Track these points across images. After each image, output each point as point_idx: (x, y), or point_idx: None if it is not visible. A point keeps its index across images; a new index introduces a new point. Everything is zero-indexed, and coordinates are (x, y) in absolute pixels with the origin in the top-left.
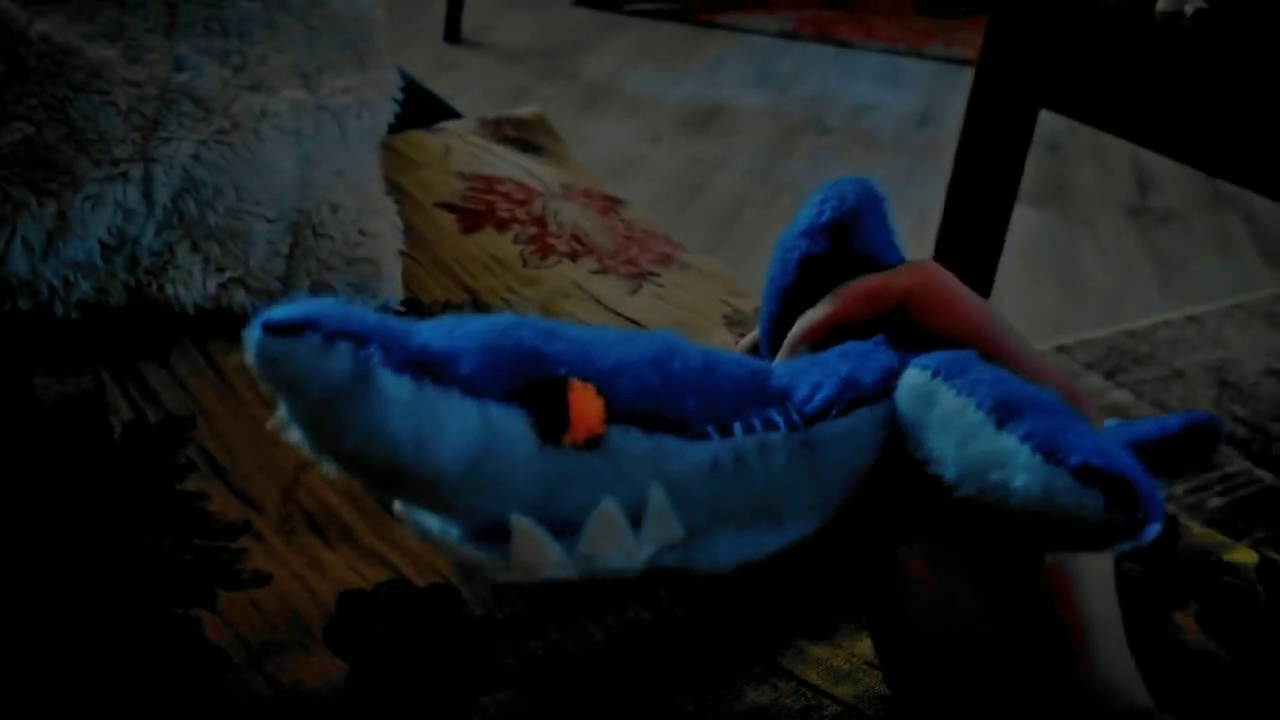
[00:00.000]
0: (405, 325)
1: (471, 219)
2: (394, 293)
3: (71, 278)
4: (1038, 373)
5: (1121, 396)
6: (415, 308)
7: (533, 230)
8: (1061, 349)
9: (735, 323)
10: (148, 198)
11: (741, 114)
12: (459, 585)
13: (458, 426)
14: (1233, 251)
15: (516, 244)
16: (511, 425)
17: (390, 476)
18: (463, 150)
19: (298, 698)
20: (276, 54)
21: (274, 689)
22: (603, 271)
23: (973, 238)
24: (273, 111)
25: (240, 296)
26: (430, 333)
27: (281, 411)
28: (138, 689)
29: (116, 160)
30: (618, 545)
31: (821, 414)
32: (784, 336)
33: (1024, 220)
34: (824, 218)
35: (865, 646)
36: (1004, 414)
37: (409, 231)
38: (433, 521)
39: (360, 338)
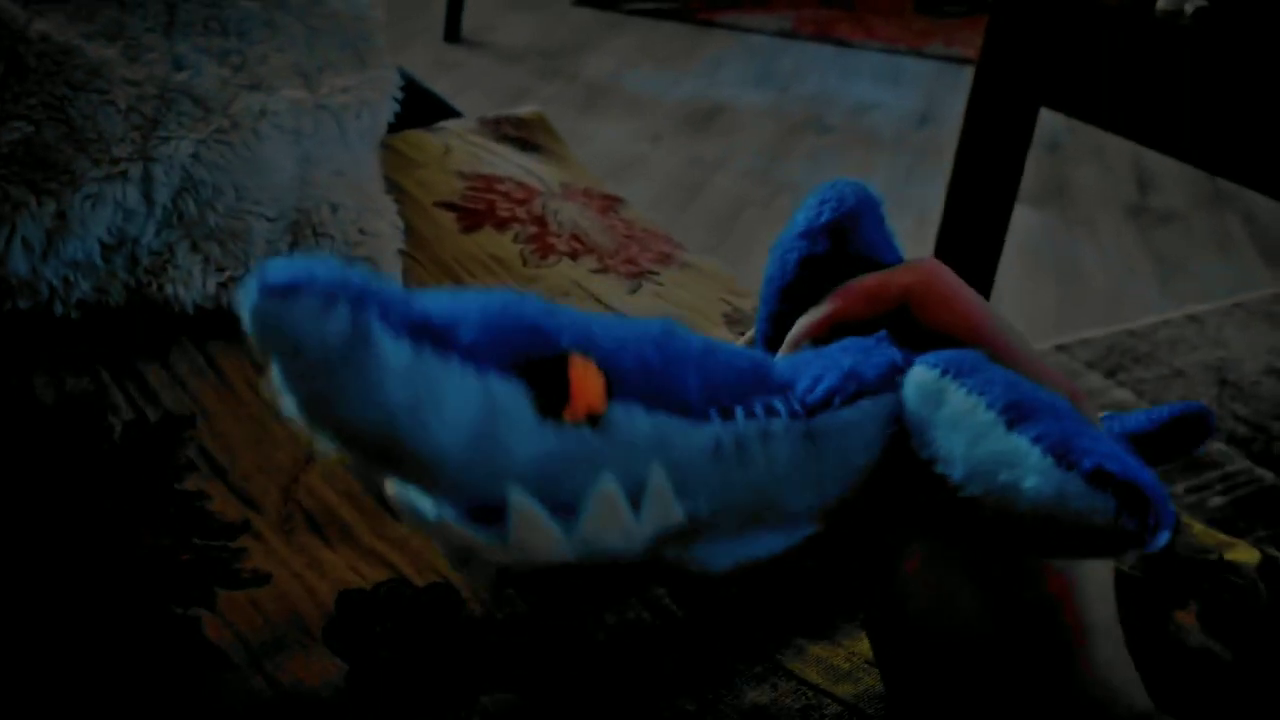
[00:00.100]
0: (405, 292)
1: (471, 218)
2: None
3: (71, 277)
4: (1037, 372)
5: (1122, 395)
6: None
7: (533, 229)
8: (1061, 348)
9: (735, 321)
10: (147, 197)
11: (741, 113)
12: (454, 569)
13: (456, 397)
14: (1233, 251)
15: (516, 243)
16: (511, 398)
17: (386, 450)
18: (462, 149)
19: (297, 697)
20: (276, 53)
21: (273, 689)
22: (603, 270)
23: (973, 237)
24: (272, 111)
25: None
26: (430, 301)
27: (275, 379)
28: (137, 688)
29: (116, 159)
30: (617, 526)
31: (824, 404)
32: (782, 338)
33: (1024, 220)
34: (823, 218)
35: (865, 645)
36: (1015, 415)
37: (409, 231)
38: (427, 504)
39: (359, 300)
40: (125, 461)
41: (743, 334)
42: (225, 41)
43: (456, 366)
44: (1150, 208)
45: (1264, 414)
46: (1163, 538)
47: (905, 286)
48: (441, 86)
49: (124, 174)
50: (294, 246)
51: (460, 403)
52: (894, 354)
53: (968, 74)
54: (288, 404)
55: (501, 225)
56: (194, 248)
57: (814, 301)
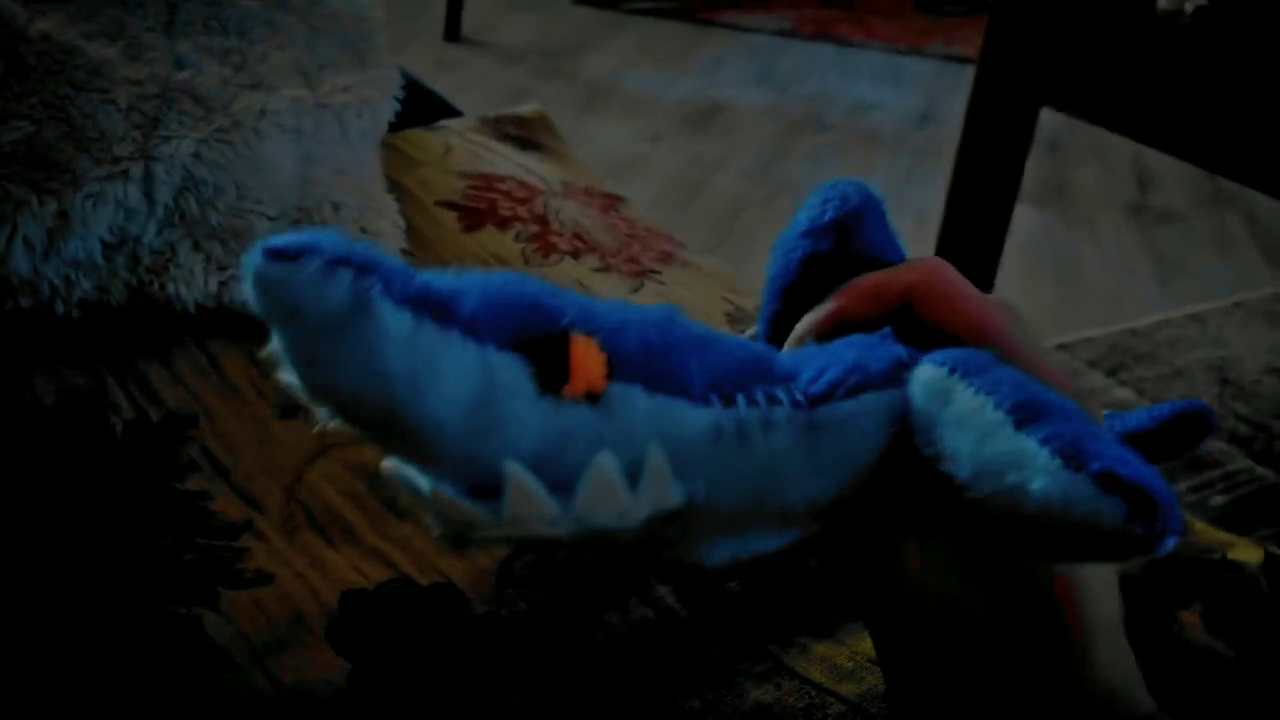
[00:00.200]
0: (408, 266)
1: (473, 217)
2: None
3: (73, 276)
4: (1040, 371)
5: (1123, 394)
6: None
7: (534, 229)
8: (1063, 347)
9: (737, 320)
10: (149, 196)
11: (741, 113)
12: (449, 550)
13: (456, 369)
14: (1233, 250)
15: (518, 242)
16: (511, 373)
17: (384, 422)
18: (463, 148)
19: (300, 696)
20: (276, 52)
21: (276, 688)
22: (605, 269)
23: (973, 237)
24: (273, 110)
25: (241, 295)
26: (433, 277)
27: (274, 347)
28: (140, 688)
29: (117, 159)
30: (613, 503)
31: (826, 396)
32: (785, 338)
33: (1024, 219)
34: (826, 217)
35: (869, 644)
36: (1024, 415)
37: (410, 230)
38: (424, 480)
39: (361, 268)
40: (127, 461)
41: (744, 333)
42: (226, 40)
43: (457, 339)
44: (1151, 207)
45: (1265, 413)
46: (1170, 543)
47: (909, 285)
48: (441, 86)
49: (125, 173)
50: None
51: (459, 375)
52: (899, 351)
53: (968, 73)
54: (287, 373)
55: (503, 224)
56: (195, 247)
57: (817, 301)
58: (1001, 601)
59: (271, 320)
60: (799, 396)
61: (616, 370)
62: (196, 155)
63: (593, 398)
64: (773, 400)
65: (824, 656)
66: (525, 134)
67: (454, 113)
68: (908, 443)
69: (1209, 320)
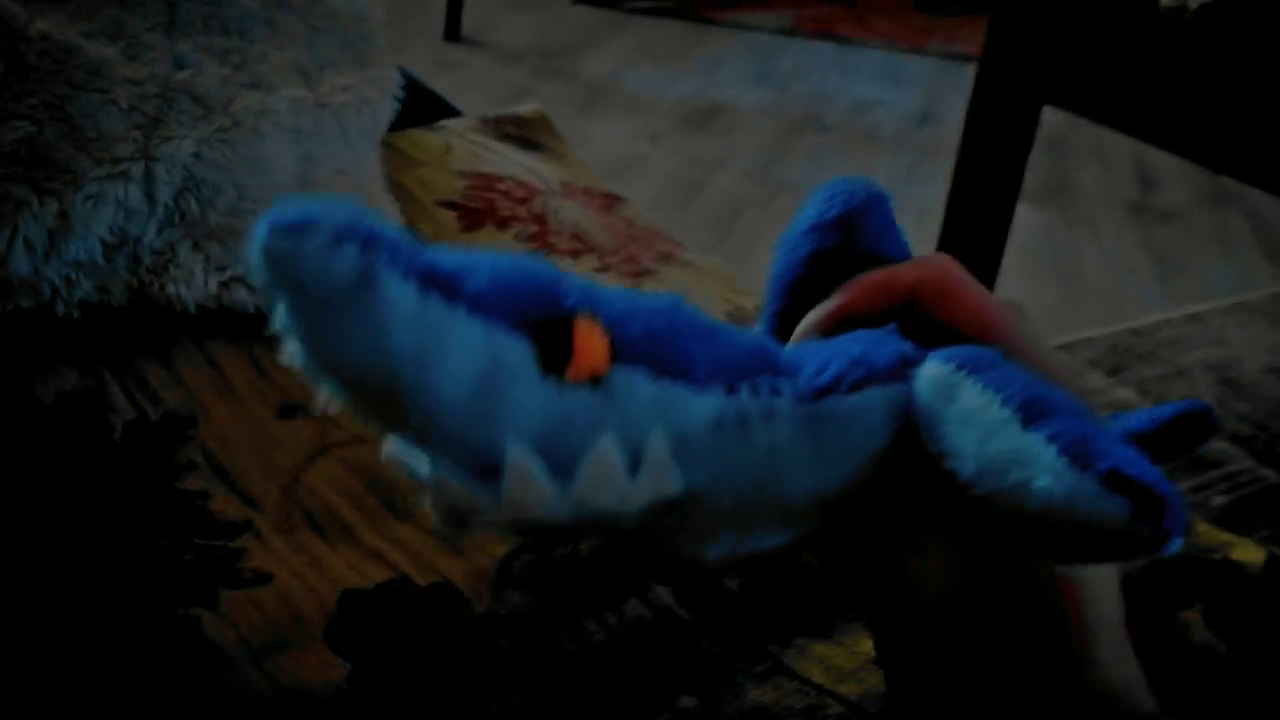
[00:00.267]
0: (416, 241)
1: (472, 217)
2: None
3: (73, 276)
4: (1047, 369)
5: (1125, 394)
6: None
7: (533, 228)
8: (1063, 347)
9: (737, 320)
10: (149, 196)
11: (741, 112)
12: (446, 535)
13: (460, 347)
14: (1234, 249)
15: (517, 242)
16: (515, 354)
17: (387, 399)
18: (463, 148)
19: (298, 696)
20: (276, 52)
21: (274, 688)
22: (604, 269)
23: (974, 237)
24: (273, 110)
25: (241, 295)
26: (440, 254)
27: (280, 321)
28: (138, 688)
29: (117, 159)
30: (612, 488)
31: (830, 389)
32: (789, 335)
33: (1025, 219)
34: (832, 213)
35: (868, 645)
36: (1030, 413)
37: (410, 229)
38: (424, 462)
39: (368, 242)
40: (126, 461)
41: None
42: (226, 40)
43: (462, 317)
44: (1152, 206)
45: (1267, 413)
46: (1175, 544)
47: (915, 281)
48: (441, 86)
49: (125, 173)
50: None
51: (464, 354)
52: (904, 346)
53: (969, 72)
54: (292, 348)
55: (502, 224)
56: (195, 247)
57: (822, 298)
58: (1003, 600)
59: (277, 293)
60: (803, 389)
61: (620, 354)
62: (197, 155)
63: (595, 381)
64: (776, 391)
65: (823, 657)
66: (525, 134)
67: (454, 113)
68: (911, 439)
69: (1210, 320)
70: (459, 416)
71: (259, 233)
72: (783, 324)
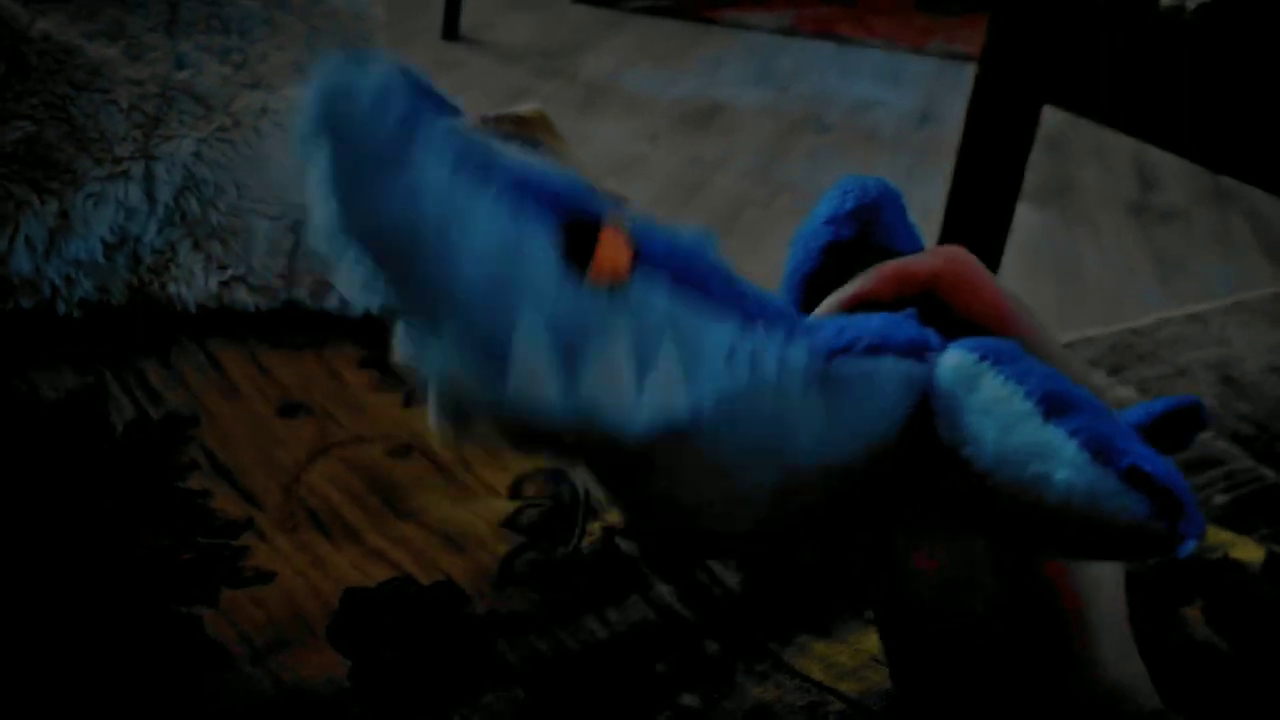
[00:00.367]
0: (460, 124)
1: None
2: None
3: (74, 276)
4: (1064, 364)
5: (1126, 393)
6: None
7: None
8: (1065, 346)
9: None
10: (149, 196)
11: (741, 112)
12: (442, 441)
13: (485, 226)
14: (1235, 249)
15: None
16: (537, 244)
17: (406, 271)
18: None
19: (301, 695)
20: (277, 51)
21: (277, 686)
22: None
23: (974, 237)
24: (273, 109)
25: (242, 295)
26: (481, 140)
27: (316, 182)
28: (141, 687)
29: (118, 158)
30: (617, 393)
31: (845, 349)
32: None
33: (1024, 218)
34: (848, 205)
35: (869, 642)
36: (1052, 407)
37: None
38: (431, 354)
39: (413, 108)
40: (127, 460)
41: None
42: (226, 40)
43: (492, 198)
44: (1152, 205)
45: (1267, 412)
46: (1190, 546)
47: (934, 271)
48: (441, 85)
49: (126, 173)
50: (296, 245)
51: (488, 233)
52: (923, 331)
53: (969, 72)
54: (322, 213)
55: None
56: (196, 246)
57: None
58: (1004, 598)
59: (320, 144)
60: (818, 345)
61: (642, 267)
62: (197, 154)
63: (614, 288)
64: (791, 339)
65: (824, 655)
66: (525, 133)
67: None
68: (925, 427)
69: (1211, 319)
70: (474, 296)
71: (314, 82)
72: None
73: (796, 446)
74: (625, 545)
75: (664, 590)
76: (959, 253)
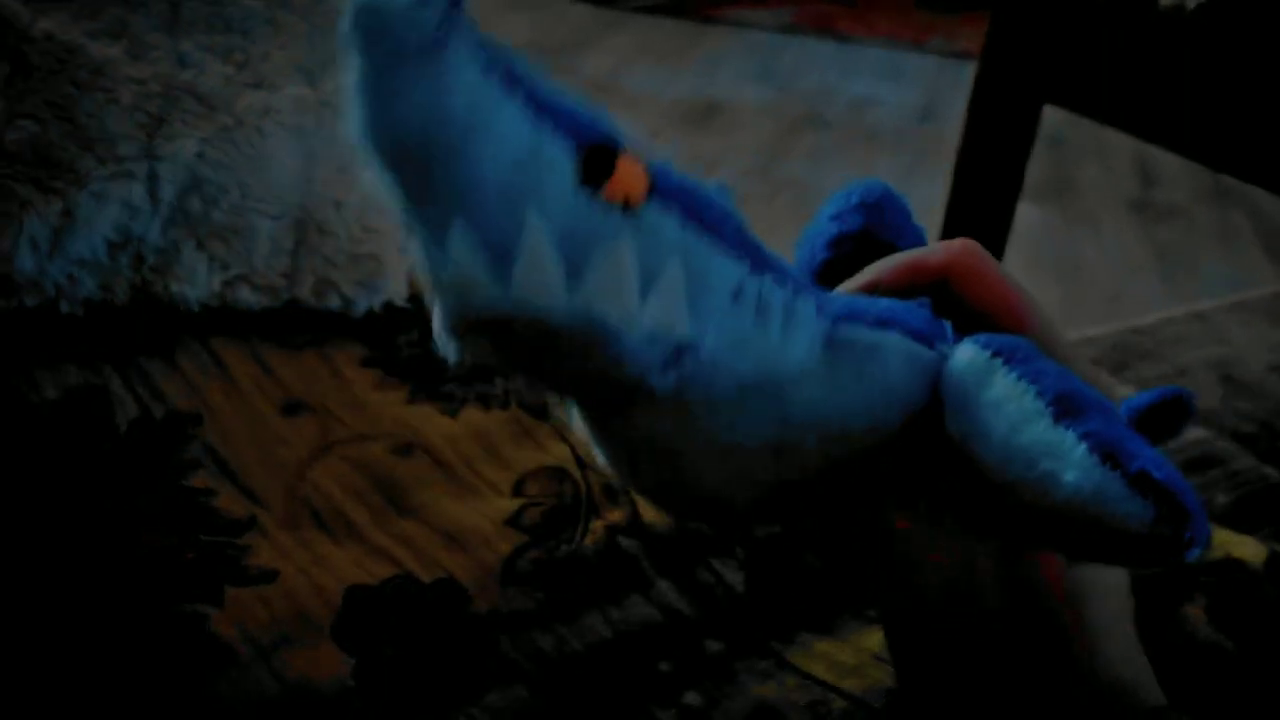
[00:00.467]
0: (492, 40)
1: None
2: (399, 289)
3: (77, 275)
4: (1077, 364)
5: (1126, 393)
6: (420, 305)
7: None
8: None
9: None
10: (152, 195)
11: (741, 111)
12: (442, 348)
13: (508, 131)
14: (1236, 247)
15: None
16: (556, 155)
17: (426, 168)
18: None
19: (305, 693)
20: (279, 51)
21: (281, 684)
22: None
23: (976, 235)
24: (276, 108)
25: (244, 294)
26: (514, 59)
27: (348, 82)
28: (145, 685)
29: (121, 158)
30: (620, 301)
31: (854, 317)
32: None
33: (1025, 216)
34: (853, 200)
35: (871, 640)
36: (1064, 408)
37: None
38: (441, 250)
39: (449, 15)
40: (130, 458)
41: None
42: (229, 39)
43: (518, 107)
44: (1153, 204)
45: (1269, 411)
46: (1195, 552)
47: (946, 262)
48: None
49: (129, 172)
50: (298, 244)
51: (509, 138)
52: (936, 322)
53: (969, 70)
54: (353, 117)
55: None
56: (199, 246)
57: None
58: (1003, 597)
59: (356, 45)
60: (826, 308)
61: (657, 197)
62: (200, 154)
63: (628, 209)
64: (799, 293)
65: (826, 653)
66: None
67: None
68: (933, 420)
69: (1212, 318)
70: (489, 194)
71: None
72: None
73: (796, 401)
74: (628, 544)
75: (666, 589)
76: (971, 245)
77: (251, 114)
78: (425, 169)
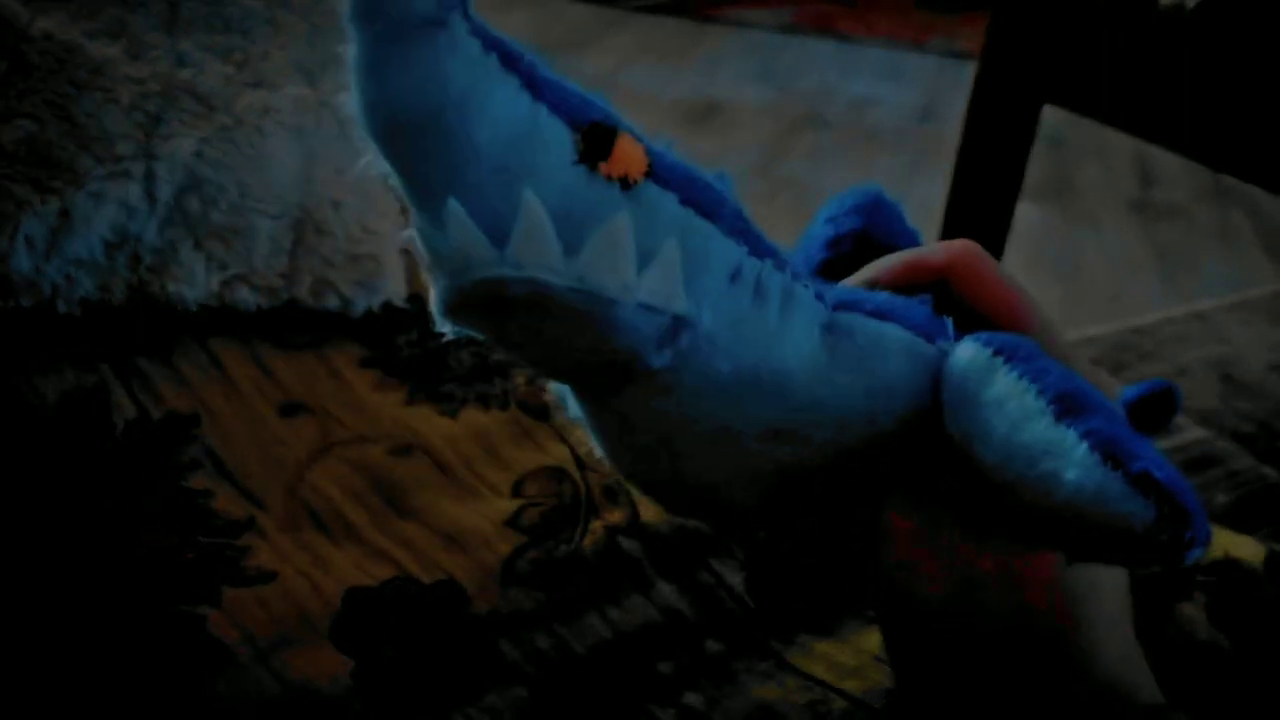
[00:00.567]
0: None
1: None
2: (398, 290)
3: (74, 275)
4: (1076, 364)
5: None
6: (420, 305)
7: None
8: None
9: None
10: (150, 195)
11: (741, 110)
12: (438, 313)
13: (504, 108)
14: (1236, 246)
15: None
16: (554, 134)
17: (424, 139)
18: None
19: (304, 694)
20: (278, 51)
21: (280, 685)
22: None
23: (976, 235)
24: (275, 108)
25: (243, 294)
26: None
27: (351, 57)
28: (144, 686)
29: (119, 157)
30: (617, 269)
31: (852, 306)
32: None
33: (1025, 216)
34: (849, 202)
35: (871, 641)
36: (1065, 407)
37: None
38: (439, 229)
39: None
40: (128, 460)
41: None
42: (228, 39)
43: (515, 86)
44: (1153, 203)
45: (1269, 411)
46: (1195, 554)
47: (946, 262)
48: None
49: (127, 172)
50: (296, 244)
51: (506, 113)
52: (937, 319)
53: (970, 69)
54: (353, 92)
55: None
56: (197, 246)
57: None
58: (1001, 598)
59: (357, 21)
60: (825, 296)
61: (655, 177)
62: (198, 154)
63: (627, 186)
64: (799, 279)
65: (826, 654)
66: None
67: None
68: (933, 419)
69: (1212, 318)
70: (486, 166)
71: None
72: None
73: (794, 387)
74: (628, 544)
75: (666, 589)
76: (971, 245)
77: (251, 114)
78: (423, 143)
